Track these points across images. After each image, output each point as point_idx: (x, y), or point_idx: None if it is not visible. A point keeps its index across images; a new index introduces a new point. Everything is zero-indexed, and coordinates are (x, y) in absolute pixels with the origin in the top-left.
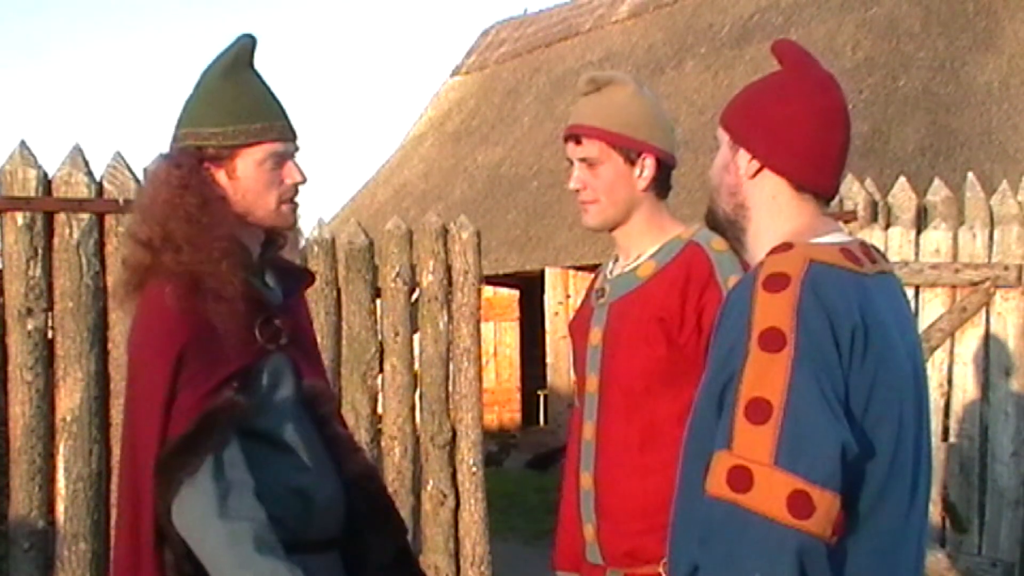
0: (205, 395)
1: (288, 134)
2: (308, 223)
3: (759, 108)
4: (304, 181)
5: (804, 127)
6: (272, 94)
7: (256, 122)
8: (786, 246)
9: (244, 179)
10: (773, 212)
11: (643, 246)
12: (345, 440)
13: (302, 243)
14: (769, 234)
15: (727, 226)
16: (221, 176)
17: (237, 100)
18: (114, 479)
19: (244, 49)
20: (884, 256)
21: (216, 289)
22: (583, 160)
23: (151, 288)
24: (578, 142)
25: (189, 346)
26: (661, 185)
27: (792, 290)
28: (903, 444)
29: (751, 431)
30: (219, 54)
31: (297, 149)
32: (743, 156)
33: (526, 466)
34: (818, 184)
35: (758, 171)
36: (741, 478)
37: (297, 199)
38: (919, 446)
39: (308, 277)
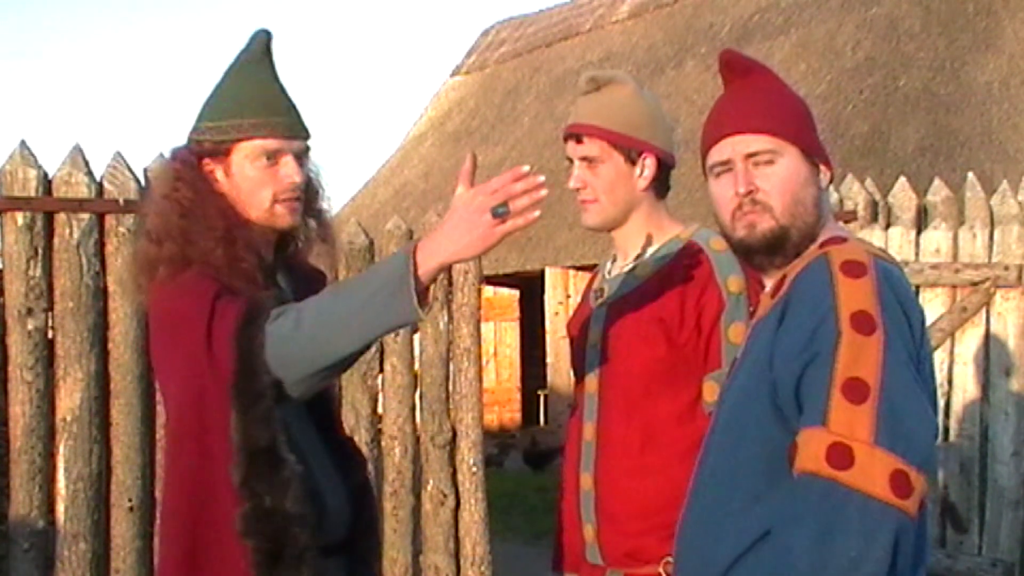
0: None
1: (286, 131)
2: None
3: (811, 120)
4: (301, 182)
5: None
6: (281, 90)
7: (250, 117)
8: (840, 239)
9: (238, 175)
10: (826, 214)
11: (642, 246)
12: (349, 447)
13: (338, 254)
14: (822, 237)
15: (799, 244)
16: (220, 173)
17: (236, 95)
18: (114, 479)
19: (258, 44)
20: None
21: (225, 283)
22: (584, 159)
23: (163, 279)
24: (579, 141)
25: (221, 291)
26: (661, 185)
27: (871, 277)
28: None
29: (850, 410)
30: (240, 51)
31: (306, 149)
32: (822, 169)
33: (524, 461)
34: None
35: (830, 181)
36: (841, 455)
37: (298, 200)
38: None
39: (322, 278)
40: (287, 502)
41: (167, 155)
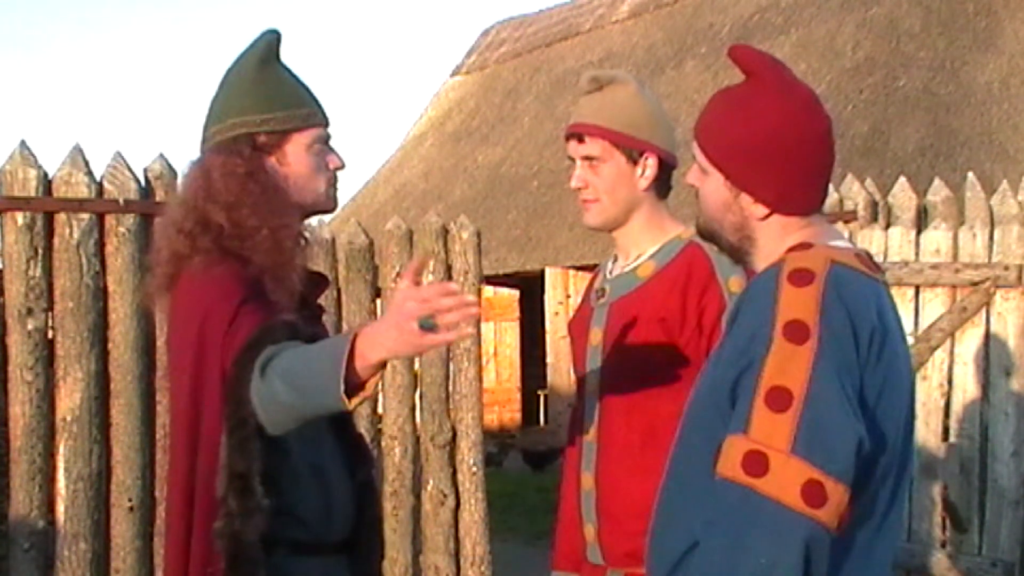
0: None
1: (327, 120)
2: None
3: (757, 149)
4: (344, 166)
5: (809, 164)
6: (305, 83)
7: (303, 107)
8: (806, 245)
9: (295, 164)
10: (783, 235)
11: (643, 246)
12: (362, 445)
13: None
14: (781, 248)
15: (731, 252)
16: (272, 164)
17: (280, 88)
18: (114, 479)
19: (272, 43)
20: (880, 268)
21: (274, 283)
22: (585, 158)
23: (192, 271)
24: (580, 140)
25: (249, 295)
26: (662, 185)
27: (817, 286)
28: (896, 449)
29: (770, 418)
30: (245, 49)
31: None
32: (747, 199)
33: (524, 461)
34: (821, 202)
35: (768, 215)
36: (757, 463)
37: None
38: (906, 453)
39: (324, 282)
40: (248, 532)
41: (215, 151)
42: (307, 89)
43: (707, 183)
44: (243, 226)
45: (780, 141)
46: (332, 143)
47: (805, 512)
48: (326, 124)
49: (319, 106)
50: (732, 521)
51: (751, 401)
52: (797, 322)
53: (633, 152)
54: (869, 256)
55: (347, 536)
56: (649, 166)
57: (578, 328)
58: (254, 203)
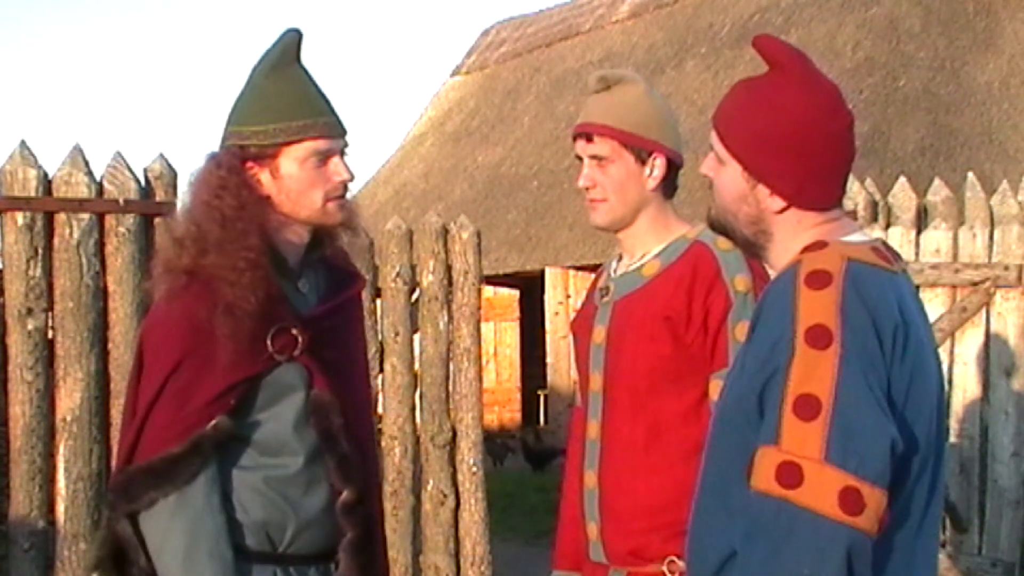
0: (193, 412)
1: (333, 130)
2: None
3: (778, 141)
4: (351, 179)
5: (830, 159)
6: (317, 89)
7: (297, 119)
8: (820, 244)
9: (287, 178)
10: (799, 230)
11: (648, 245)
12: (349, 460)
13: (364, 240)
14: (797, 244)
15: (744, 245)
16: (265, 176)
17: (279, 98)
18: None
19: (290, 44)
20: (899, 256)
21: (231, 303)
22: (594, 157)
23: (167, 289)
24: (589, 140)
25: (187, 356)
26: (669, 185)
27: (835, 287)
28: (929, 443)
29: (800, 427)
30: (266, 50)
31: (346, 145)
32: (764, 191)
33: (524, 460)
34: (839, 199)
35: (785, 209)
36: (791, 474)
37: (346, 196)
38: (940, 446)
39: (357, 281)
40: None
41: (207, 158)
42: (314, 97)
43: (723, 173)
44: (208, 240)
45: (802, 134)
46: (345, 153)
47: (844, 520)
48: (329, 136)
49: (328, 115)
50: (770, 534)
51: (779, 411)
52: (819, 327)
53: (642, 152)
54: (887, 246)
55: (324, 549)
56: (657, 166)
57: (581, 326)
58: (221, 217)
